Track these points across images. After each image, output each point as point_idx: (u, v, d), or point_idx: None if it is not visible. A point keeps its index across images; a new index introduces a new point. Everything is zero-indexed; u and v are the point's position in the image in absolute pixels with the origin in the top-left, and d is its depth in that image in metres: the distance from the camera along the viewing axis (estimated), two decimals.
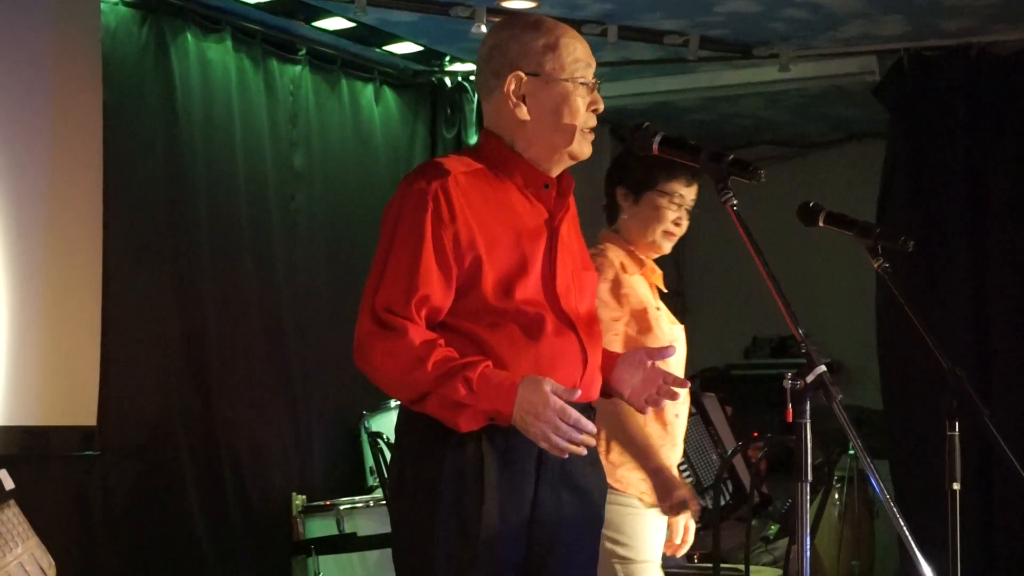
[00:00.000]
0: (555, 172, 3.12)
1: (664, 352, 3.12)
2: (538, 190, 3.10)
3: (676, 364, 3.86)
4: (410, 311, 2.91)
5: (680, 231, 4.03)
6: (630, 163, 4.01)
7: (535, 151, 3.08)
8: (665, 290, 4.11)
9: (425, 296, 2.93)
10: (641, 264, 4.01)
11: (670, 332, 3.95)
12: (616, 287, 3.89)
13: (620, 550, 3.82)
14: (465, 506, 2.92)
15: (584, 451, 2.89)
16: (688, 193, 4.00)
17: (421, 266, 2.93)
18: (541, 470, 2.99)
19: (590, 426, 2.87)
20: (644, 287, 3.98)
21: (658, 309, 3.97)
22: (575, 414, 2.84)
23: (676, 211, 3.99)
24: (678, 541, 4.01)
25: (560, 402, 2.84)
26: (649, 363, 3.15)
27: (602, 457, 3.74)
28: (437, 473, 2.94)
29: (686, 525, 4.00)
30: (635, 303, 3.90)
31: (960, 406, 3.70)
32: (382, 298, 2.93)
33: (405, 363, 2.88)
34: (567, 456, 2.89)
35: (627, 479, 3.85)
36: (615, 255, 3.96)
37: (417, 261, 2.93)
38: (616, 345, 3.78)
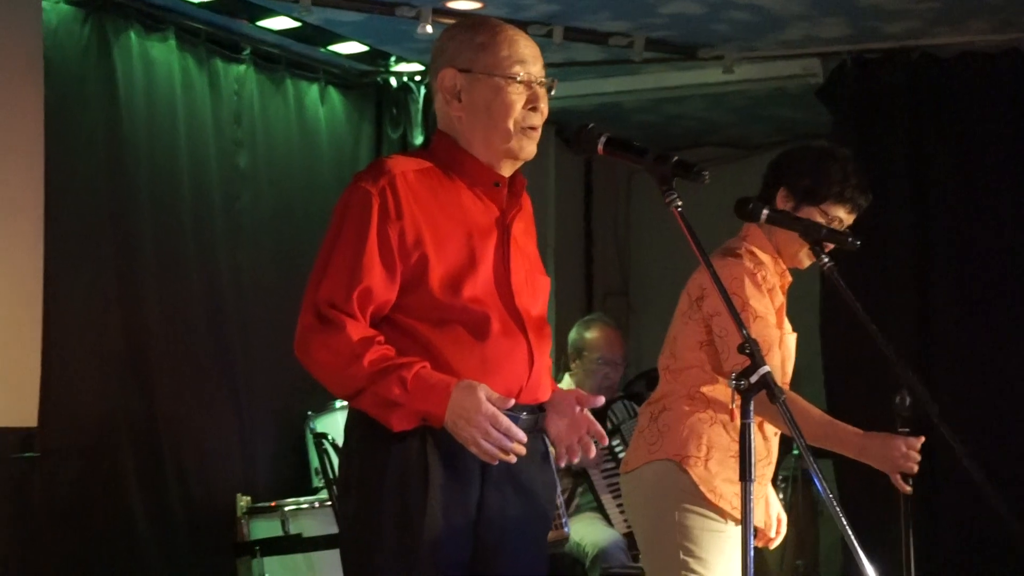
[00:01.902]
0: (504, 172, 3.13)
1: (593, 401, 3.09)
2: (488, 188, 3.10)
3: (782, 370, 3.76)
4: (352, 306, 2.92)
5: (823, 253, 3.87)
6: (804, 168, 3.88)
7: (477, 149, 3.09)
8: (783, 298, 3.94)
9: (367, 288, 2.93)
10: (782, 275, 3.91)
11: (787, 343, 3.86)
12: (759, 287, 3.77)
13: (692, 563, 3.64)
14: (409, 505, 2.93)
15: (514, 459, 2.90)
16: (847, 220, 3.87)
17: (364, 260, 2.94)
18: (486, 470, 2.99)
19: (521, 435, 2.88)
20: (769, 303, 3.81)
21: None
22: (506, 422, 2.85)
23: None
24: (772, 534, 3.90)
25: (492, 409, 2.85)
26: (577, 409, 3.12)
27: (700, 464, 3.67)
28: (382, 472, 2.95)
29: (779, 517, 3.93)
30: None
31: (909, 404, 3.72)
32: (324, 292, 2.95)
33: (342, 358, 2.90)
34: (497, 463, 2.90)
35: (722, 491, 3.67)
36: (761, 258, 3.84)
37: (360, 256, 2.94)
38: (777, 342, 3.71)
